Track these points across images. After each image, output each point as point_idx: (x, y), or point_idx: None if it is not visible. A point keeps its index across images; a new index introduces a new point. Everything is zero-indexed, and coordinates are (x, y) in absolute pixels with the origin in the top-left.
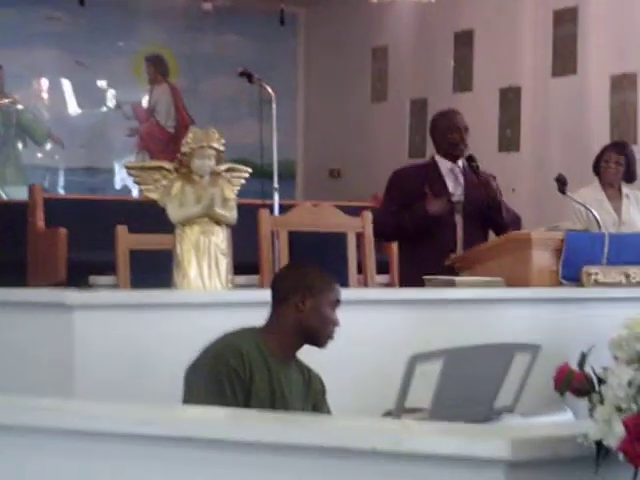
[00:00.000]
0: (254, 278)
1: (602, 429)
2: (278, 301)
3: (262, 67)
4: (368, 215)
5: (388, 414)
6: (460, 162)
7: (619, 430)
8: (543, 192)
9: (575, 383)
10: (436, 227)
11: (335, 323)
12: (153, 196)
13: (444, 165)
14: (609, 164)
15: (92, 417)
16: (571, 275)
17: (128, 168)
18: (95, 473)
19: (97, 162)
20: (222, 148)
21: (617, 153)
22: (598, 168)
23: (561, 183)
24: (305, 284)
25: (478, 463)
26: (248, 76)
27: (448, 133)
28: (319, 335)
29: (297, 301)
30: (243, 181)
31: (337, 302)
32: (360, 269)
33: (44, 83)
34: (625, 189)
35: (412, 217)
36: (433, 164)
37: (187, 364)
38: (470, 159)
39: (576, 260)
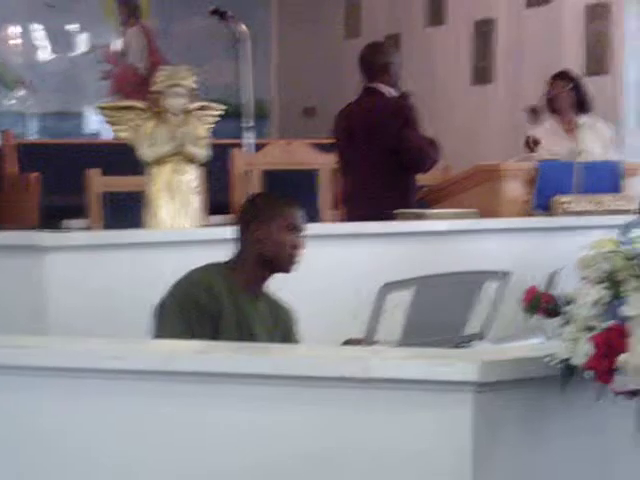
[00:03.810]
0: (229, 218)
1: (569, 348)
2: (238, 235)
3: (234, 5)
4: None
5: (347, 342)
6: None
7: (586, 348)
8: (517, 123)
9: (543, 304)
10: None
11: (295, 246)
12: (125, 136)
13: None
14: (557, 91)
15: (68, 353)
16: (543, 204)
17: (101, 108)
18: (72, 409)
19: (70, 107)
20: (194, 86)
21: (561, 80)
22: (551, 103)
23: (534, 113)
24: (254, 214)
25: (446, 386)
26: (221, 14)
27: (399, 69)
28: (279, 262)
29: (251, 232)
30: (216, 119)
31: (293, 225)
32: (337, 204)
33: (13, 28)
34: (583, 118)
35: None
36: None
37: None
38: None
39: (548, 189)
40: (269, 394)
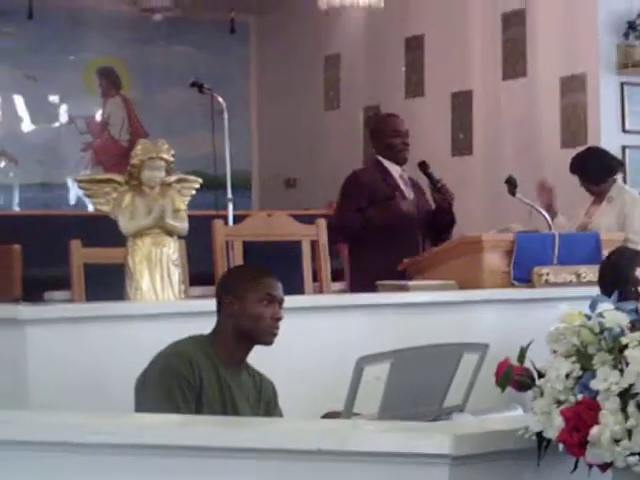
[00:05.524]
0: (210, 289)
1: (542, 421)
2: (217, 308)
3: (214, 77)
4: (322, 223)
5: (328, 415)
6: (404, 167)
7: (558, 421)
8: (496, 194)
9: (515, 377)
10: (397, 232)
11: (273, 317)
12: (104, 209)
13: (394, 169)
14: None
15: (45, 428)
16: (522, 276)
17: (79, 182)
18: None
19: (52, 178)
20: (171, 159)
21: (572, 173)
22: None
23: (511, 185)
24: (228, 288)
25: (422, 459)
26: (199, 87)
27: (393, 138)
28: (257, 334)
29: (226, 307)
30: (194, 192)
31: (268, 297)
32: (315, 277)
33: None
34: (614, 192)
35: (382, 213)
36: (383, 168)
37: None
38: (425, 166)
39: (527, 261)
40: (248, 468)
